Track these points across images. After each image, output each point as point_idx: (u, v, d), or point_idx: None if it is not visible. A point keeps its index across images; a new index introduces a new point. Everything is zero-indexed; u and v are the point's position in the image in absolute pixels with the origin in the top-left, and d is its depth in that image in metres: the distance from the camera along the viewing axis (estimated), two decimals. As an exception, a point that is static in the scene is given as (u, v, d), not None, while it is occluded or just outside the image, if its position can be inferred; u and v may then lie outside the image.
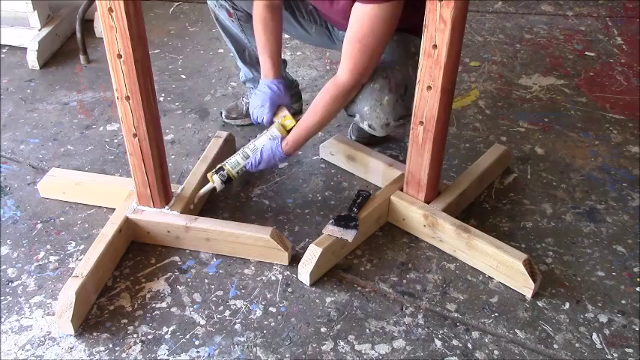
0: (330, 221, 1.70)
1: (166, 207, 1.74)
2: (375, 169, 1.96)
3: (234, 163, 1.78)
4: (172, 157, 2.10)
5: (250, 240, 1.69)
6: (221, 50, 2.71)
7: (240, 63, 2.16)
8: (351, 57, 1.64)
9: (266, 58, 1.84)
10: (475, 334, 1.54)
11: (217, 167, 1.78)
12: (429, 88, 1.55)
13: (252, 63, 2.12)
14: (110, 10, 1.39)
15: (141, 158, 1.63)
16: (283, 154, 1.78)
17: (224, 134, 2.05)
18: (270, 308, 1.60)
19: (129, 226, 1.73)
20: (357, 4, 1.59)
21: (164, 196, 1.73)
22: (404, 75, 1.75)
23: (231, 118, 2.24)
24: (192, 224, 1.71)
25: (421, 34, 1.84)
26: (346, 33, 1.64)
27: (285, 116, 1.81)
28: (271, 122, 1.83)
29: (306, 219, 1.87)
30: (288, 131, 1.79)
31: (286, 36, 2.65)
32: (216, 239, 1.71)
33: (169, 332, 1.54)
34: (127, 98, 1.52)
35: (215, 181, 1.77)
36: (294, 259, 1.71)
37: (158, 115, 1.62)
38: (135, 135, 1.59)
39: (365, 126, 1.81)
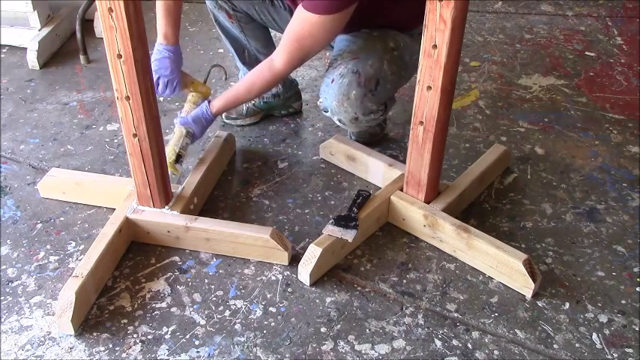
0: (330, 221, 1.70)
1: (166, 207, 1.74)
2: (375, 169, 1.96)
3: (185, 146, 1.86)
4: (172, 157, 2.10)
5: (250, 240, 1.69)
6: (221, 50, 2.71)
7: (239, 64, 2.17)
8: (288, 51, 1.70)
9: (167, 28, 1.85)
10: (475, 334, 1.54)
11: (175, 157, 1.83)
12: (429, 88, 1.55)
13: (252, 63, 2.12)
14: (110, 10, 1.39)
15: (141, 158, 1.63)
16: (212, 115, 1.88)
17: (224, 134, 2.05)
18: (270, 308, 1.60)
19: (129, 226, 1.73)
20: (300, 7, 1.61)
21: (164, 196, 1.73)
22: (376, 70, 1.76)
23: (231, 118, 2.24)
24: (192, 224, 1.71)
25: (404, 30, 1.85)
26: (288, 25, 1.69)
27: (193, 83, 1.94)
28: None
29: (306, 219, 1.87)
30: (203, 92, 1.95)
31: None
32: (216, 239, 1.71)
33: (169, 332, 1.54)
34: (127, 98, 1.52)
35: (178, 168, 1.86)
36: (294, 259, 1.71)
37: (158, 115, 1.62)
38: (135, 135, 1.59)
39: (336, 120, 1.85)
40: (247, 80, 1.81)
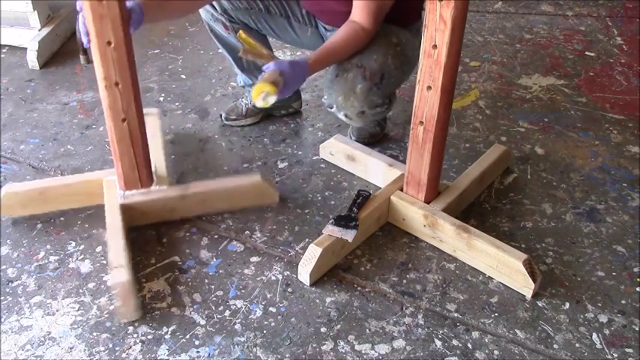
0: (330, 221, 1.70)
1: (155, 186, 1.79)
2: (375, 169, 1.96)
3: (276, 78, 1.59)
4: (172, 157, 2.10)
5: (243, 188, 1.81)
6: (221, 50, 2.70)
7: (237, 70, 2.16)
8: (370, 12, 1.71)
9: None
10: (475, 334, 1.54)
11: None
12: (429, 88, 1.55)
13: (250, 69, 2.12)
14: None
15: (129, 142, 1.67)
16: (309, 66, 1.68)
17: (154, 110, 2.12)
18: (270, 308, 1.60)
19: (124, 212, 1.74)
20: None
21: (149, 176, 1.78)
22: (381, 64, 1.76)
23: (231, 119, 2.24)
24: (187, 192, 1.79)
25: (405, 26, 1.86)
26: None
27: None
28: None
29: (306, 219, 1.87)
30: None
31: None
32: (210, 199, 1.79)
33: (169, 332, 1.54)
34: (116, 84, 1.54)
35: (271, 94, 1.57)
36: (294, 260, 1.71)
37: (140, 95, 1.65)
38: (124, 120, 1.62)
39: (342, 116, 1.84)
40: (343, 38, 1.74)
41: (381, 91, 1.79)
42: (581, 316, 1.58)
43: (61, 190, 1.83)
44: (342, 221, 1.70)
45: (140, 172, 1.73)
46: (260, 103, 1.56)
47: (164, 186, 1.80)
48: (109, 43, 1.47)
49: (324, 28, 1.97)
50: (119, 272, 1.55)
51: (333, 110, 1.85)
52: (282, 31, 2.01)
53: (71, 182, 1.85)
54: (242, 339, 1.52)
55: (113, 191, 1.77)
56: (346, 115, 1.83)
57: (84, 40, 1.57)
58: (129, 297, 1.53)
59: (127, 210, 1.74)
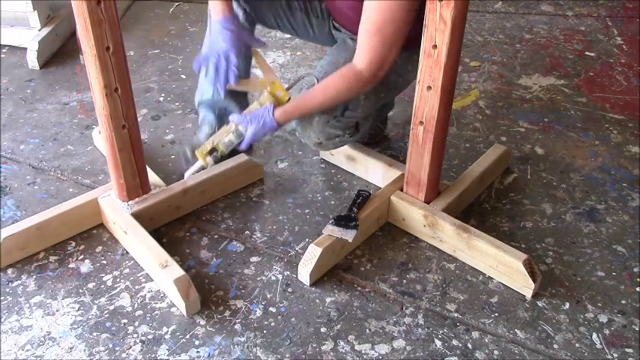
0: (330, 221, 1.70)
1: (154, 189, 1.79)
2: (375, 169, 1.96)
3: (228, 143, 1.72)
4: (172, 157, 2.10)
5: (234, 170, 1.88)
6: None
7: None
8: (370, 48, 1.56)
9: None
10: (475, 334, 1.54)
11: (210, 148, 1.71)
12: (429, 88, 1.55)
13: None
14: (98, 2, 1.39)
15: (130, 149, 1.65)
16: (275, 124, 1.67)
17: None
18: (270, 308, 1.60)
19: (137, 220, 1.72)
20: None
21: (147, 181, 1.78)
22: None
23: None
24: (187, 186, 1.82)
25: (405, 48, 1.82)
26: (363, 22, 1.56)
27: (274, 83, 1.70)
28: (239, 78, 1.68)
29: (306, 219, 1.87)
30: (279, 97, 1.70)
31: (287, 35, 2.66)
32: (208, 189, 1.86)
33: (169, 332, 1.54)
34: (116, 90, 1.53)
35: (208, 162, 1.73)
36: (294, 260, 1.71)
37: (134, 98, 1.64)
38: (124, 126, 1.60)
39: (303, 141, 1.84)
40: (325, 88, 1.64)
41: (341, 123, 1.74)
42: (581, 316, 1.58)
43: (58, 221, 1.72)
44: (342, 221, 1.70)
45: (140, 177, 1.72)
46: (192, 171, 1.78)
47: (161, 187, 1.81)
48: (107, 48, 1.46)
49: (334, 26, 1.95)
50: (172, 269, 1.56)
51: (297, 135, 1.85)
52: (301, 27, 2.00)
53: (66, 210, 1.73)
54: (242, 339, 1.52)
55: (115, 207, 1.74)
56: (306, 143, 1.83)
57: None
58: (190, 290, 1.54)
59: (137, 218, 1.72)
